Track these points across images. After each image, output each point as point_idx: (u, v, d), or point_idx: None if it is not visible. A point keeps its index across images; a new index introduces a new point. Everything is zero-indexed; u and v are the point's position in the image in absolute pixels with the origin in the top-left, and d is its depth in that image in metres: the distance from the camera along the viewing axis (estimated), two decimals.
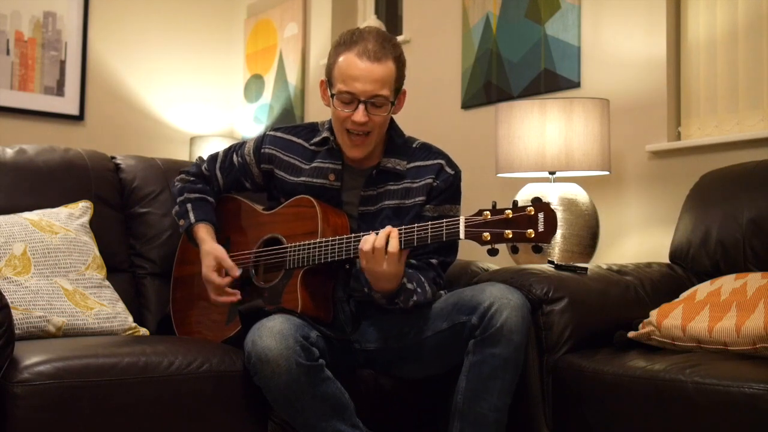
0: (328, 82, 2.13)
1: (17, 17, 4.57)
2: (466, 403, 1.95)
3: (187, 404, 1.94)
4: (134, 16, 4.95)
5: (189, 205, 2.27)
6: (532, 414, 2.13)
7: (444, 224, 1.89)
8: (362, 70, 2.04)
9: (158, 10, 5.03)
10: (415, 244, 1.93)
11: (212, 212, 2.29)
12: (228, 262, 2.16)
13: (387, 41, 2.08)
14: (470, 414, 1.95)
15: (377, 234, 1.95)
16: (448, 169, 2.19)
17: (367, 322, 2.18)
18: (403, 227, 1.95)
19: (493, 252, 1.84)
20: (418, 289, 2.06)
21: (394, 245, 1.92)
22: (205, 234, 2.23)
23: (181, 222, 2.28)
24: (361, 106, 2.05)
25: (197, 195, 2.30)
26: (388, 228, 1.95)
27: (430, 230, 1.90)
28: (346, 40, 2.09)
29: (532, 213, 1.80)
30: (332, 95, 2.09)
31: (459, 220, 1.87)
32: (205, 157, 2.38)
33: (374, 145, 2.14)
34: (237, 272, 2.16)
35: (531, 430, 2.13)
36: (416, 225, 1.94)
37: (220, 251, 2.18)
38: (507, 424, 2.00)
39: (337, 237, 2.03)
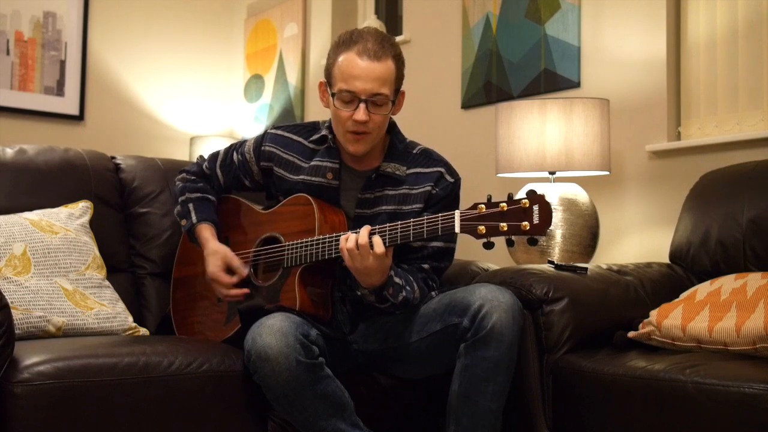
0: (328, 82, 2.13)
1: (17, 17, 4.57)
2: (460, 406, 1.95)
3: (187, 404, 1.94)
4: (134, 16, 4.95)
5: (191, 205, 2.27)
6: (532, 414, 2.13)
7: (440, 218, 1.89)
8: (363, 68, 2.04)
9: (158, 10, 5.03)
10: (399, 241, 1.93)
11: (214, 212, 2.29)
12: (236, 261, 2.17)
13: (386, 40, 2.09)
14: (464, 417, 1.95)
15: (357, 232, 1.95)
16: (448, 177, 2.19)
17: (365, 323, 2.18)
18: (388, 225, 1.95)
19: (488, 245, 1.83)
20: (407, 287, 2.06)
21: (379, 241, 1.93)
22: (208, 234, 2.23)
23: (183, 222, 2.28)
24: (362, 105, 2.05)
25: (199, 194, 2.30)
26: (368, 226, 1.96)
27: (425, 225, 1.90)
28: (346, 40, 2.09)
29: (527, 205, 1.80)
30: (332, 94, 2.09)
31: (455, 214, 1.86)
32: (206, 156, 2.38)
33: (374, 142, 2.14)
34: (245, 271, 2.17)
35: (531, 430, 2.13)
36: (400, 222, 1.94)
37: (226, 251, 2.18)
38: (507, 424, 2.00)
39: (334, 234, 2.03)
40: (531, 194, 1.80)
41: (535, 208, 1.79)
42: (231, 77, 5.25)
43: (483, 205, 1.84)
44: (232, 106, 5.25)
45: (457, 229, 1.85)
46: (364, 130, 2.08)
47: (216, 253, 2.18)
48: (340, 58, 2.07)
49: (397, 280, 2.04)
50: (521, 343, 2.02)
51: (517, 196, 1.83)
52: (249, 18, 5.15)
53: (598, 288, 2.27)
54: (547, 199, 1.81)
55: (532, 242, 1.84)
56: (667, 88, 2.97)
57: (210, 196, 2.31)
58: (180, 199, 2.31)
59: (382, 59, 2.05)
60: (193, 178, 2.34)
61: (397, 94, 2.13)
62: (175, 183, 2.37)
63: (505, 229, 1.81)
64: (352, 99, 2.06)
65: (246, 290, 2.16)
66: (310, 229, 2.09)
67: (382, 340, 2.14)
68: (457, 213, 1.86)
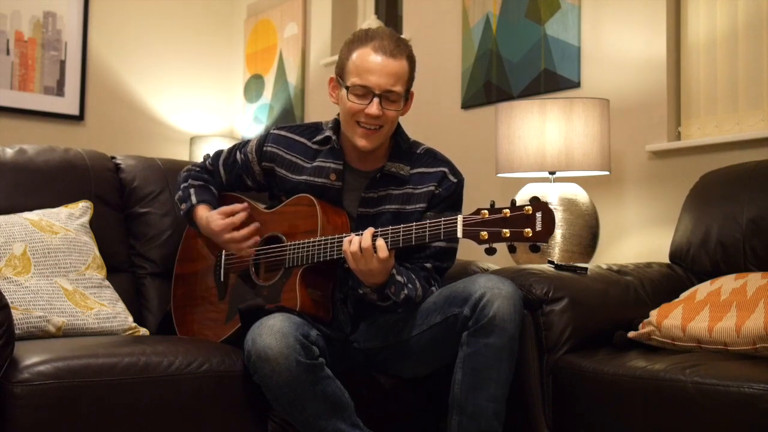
0: (339, 78, 2.13)
1: (17, 17, 4.57)
2: (464, 396, 1.95)
3: (187, 404, 1.94)
4: (134, 16, 4.95)
5: (192, 189, 2.28)
6: (532, 414, 2.13)
7: (442, 223, 1.89)
8: (378, 64, 2.05)
9: (158, 10, 5.03)
10: (401, 244, 1.93)
11: (215, 199, 2.29)
12: (228, 207, 2.18)
13: (401, 41, 2.11)
14: (468, 406, 1.95)
15: (360, 234, 1.95)
16: (452, 177, 2.19)
17: (365, 322, 2.18)
18: (390, 228, 1.95)
19: (490, 251, 1.84)
20: (409, 285, 2.06)
21: (382, 244, 1.93)
22: (205, 212, 2.23)
23: (183, 206, 2.28)
24: (376, 100, 2.06)
25: (201, 183, 2.31)
26: (371, 229, 1.96)
27: (428, 229, 1.90)
28: (361, 37, 2.11)
29: (530, 212, 1.80)
30: (346, 88, 2.09)
31: (457, 218, 1.87)
32: (211, 154, 2.39)
33: (383, 139, 2.14)
34: (241, 206, 2.18)
35: (531, 430, 2.13)
36: (403, 225, 1.94)
37: (218, 210, 2.19)
38: (507, 424, 2.00)
39: (336, 235, 2.03)
40: (534, 201, 1.81)
41: (538, 215, 1.79)
42: (231, 77, 5.25)
43: (486, 211, 1.84)
44: (232, 106, 5.25)
45: (459, 234, 1.85)
46: (376, 124, 2.08)
47: (211, 215, 2.19)
48: (355, 54, 2.09)
49: (399, 278, 2.04)
50: (521, 343, 2.02)
51: (519, 201, 1.83)
52: (249, 18, 5.15)
53: (598, 288, 2.27)
54: (551, 206, 1.81)
55: (534, 249, 1.84)
56: (667, 88, 2.97)
57: (212, 187, 2.32)
58: (182, 186, 2.31)
59: (398, 57, 2.07)
60: (198, 170, 2.36)
61: (408, 94, 2.14)
62: (179, 174, 2.37)
63: (508, 235, 1.81)
64: (365, 93, 2.07)
65: (257, 238, 2.16)
66: (312, 229, 2.09)
67: (382, 337, 2.14)
68: (459, 218, 1.86)
